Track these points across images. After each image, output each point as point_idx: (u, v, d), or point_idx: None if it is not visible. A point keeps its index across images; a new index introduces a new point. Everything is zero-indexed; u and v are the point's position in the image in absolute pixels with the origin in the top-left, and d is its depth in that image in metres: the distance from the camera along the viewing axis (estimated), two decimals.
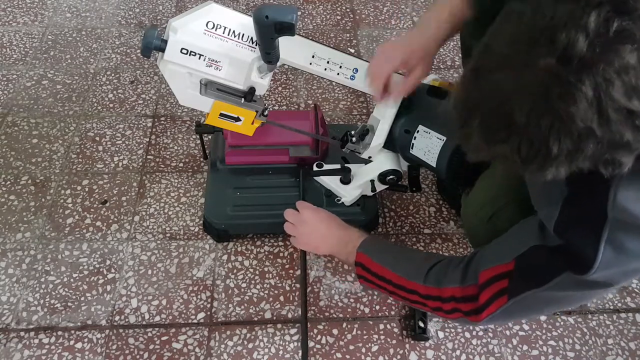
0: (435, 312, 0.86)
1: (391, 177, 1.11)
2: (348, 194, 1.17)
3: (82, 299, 1.11)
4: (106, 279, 1.14)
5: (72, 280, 1.13)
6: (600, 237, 0.63)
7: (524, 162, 0.54)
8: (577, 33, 0.47)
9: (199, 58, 0.89)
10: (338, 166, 1.19)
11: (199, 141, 1.37)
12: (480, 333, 1.08)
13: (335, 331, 1.07)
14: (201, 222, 1.23)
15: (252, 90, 0.96)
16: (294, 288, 1.14)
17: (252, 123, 1.04)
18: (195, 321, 1.08)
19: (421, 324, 1.07)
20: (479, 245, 1.01)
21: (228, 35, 0.89)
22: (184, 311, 1.09)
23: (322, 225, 1.03)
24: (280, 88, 1.58)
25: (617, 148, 0.51)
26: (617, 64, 0.47)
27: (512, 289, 0.74)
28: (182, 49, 0.88)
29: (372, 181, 1.13)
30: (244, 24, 0.89)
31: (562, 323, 1.11)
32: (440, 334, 1.08)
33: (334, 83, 1.57)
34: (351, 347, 1.05)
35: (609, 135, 0.49)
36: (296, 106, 1.53)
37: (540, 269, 0.72)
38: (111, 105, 1.51)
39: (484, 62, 0.55)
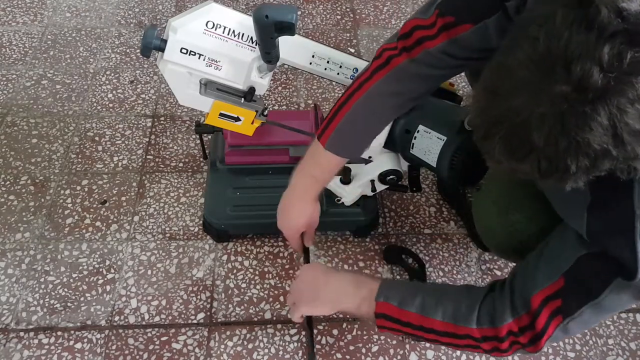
0: (490, 353, 0.80)
1: (391, 177, 1.11)
2: (348, 194, 1.17)
3: (82, 299, 1.10)
4: (106, 279, 1.14)
5: (71, 280, 1.13)
6: (635, 237, 0.62)
7: (543, 176, 0.56)
8: (592, 65, 0.48)
9: (199, 58, 0.89)
10: None
11: (198, 141, 1.37)
12: None
13: (335, 331, 1.07)
14: (201, 222, 1.23)
15: (252, 90, 0.96)
16: None
17: (252, 123, 1.04)
18: (195, 321, 1.08)
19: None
20: (494, 243, 1.01)
21: (228, 34, 0.89)
22: (184, 311, 1.09)
23: (318, 273, 0.95)
24: (280, 88, 1.58)
25: (634, 160, 0.53)
26: (631, 95, 0.48)
27: (567, 307, 0.72)
28: (182, 48, 0.88)
29: (372, 181, 1.13)
30: (244, 23, 0.89)
31: None
32: None
33: (334, 83, 1.56)
34: (351, 348, 1.05)
35: (624, 153, 0.51)
36: (296, 106, 1.53)
37: (591, 280, 0.70)
38: (111, 105, 1.51)
39: (500, 83, 0.56)
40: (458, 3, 0.78)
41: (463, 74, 1.27)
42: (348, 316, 1.10)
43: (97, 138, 1.42)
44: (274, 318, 1.09)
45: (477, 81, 1.31)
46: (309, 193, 0.97)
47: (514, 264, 1.15)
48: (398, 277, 1.16)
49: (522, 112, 0.53)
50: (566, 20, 0.50)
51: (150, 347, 1.04)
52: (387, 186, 1.14)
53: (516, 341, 0.76)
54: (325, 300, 0.92)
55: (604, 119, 0.49)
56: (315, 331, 1.07)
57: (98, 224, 1.23)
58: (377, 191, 1.16)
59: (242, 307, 1.10)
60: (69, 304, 1.09)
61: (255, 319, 1.09)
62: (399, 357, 1.04)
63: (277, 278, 1.15)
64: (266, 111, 1.04)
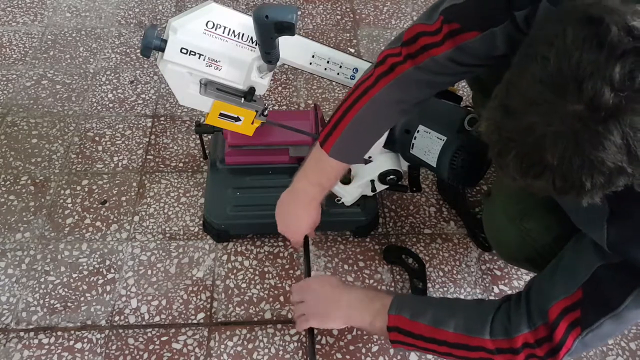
0: None
1: (391, 177, 1.11)
2: (348, 194, 1.17)
3: (82, 299, 1.10)
4: (106, 279, 1.14)
5: (71, 280, 1.13)
6: None
7: (559, 192, 0.56)
8: (603, 85, 0.49)
9: (199, 58, 0.89)
10: None
11: (198, 141, 1.37)
12: None
13: (335, 331, 1.07)
14: (201, 222, 1.23)
15: (252, 90, 0.96)
16: None
17: (252, 123, 1.04)
18: (195, 321, 1.08)
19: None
20: (506, 252, 1.00)
21: (228, 35, 0.89)
22: (184, 311, 1.09)
23: (330, 288, 0.94)
24: (280, 88, 1.58)
25: None
26: None
27: (586, 319, 0.71)
28: (182, 48, 0.88)
29: (372, 181, 1.13)
30: (244, 23, 0.89)
31: None
32: None
33: (334, 83, 1.56)
34: (351, 348, 1.05)
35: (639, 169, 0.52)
36: (296, 106, 1.53)
37: (610, 290, 0.69)
38: (111, 105, 1.51)
39: (513, 102, 0.56)
40: (464, 9, 0.76)
41: None
42: None
43: (97, 138, 1.42)
44: (274, 318, 1.09)
45: (477, 85, 1.31)
46: (315, 200, 0.98)
47: (515, 267, 1.16)
48: (398, 277, 1.16)
49: (535, 131, 0.53)
50: (577, 39, 0.50)
51: (150, 347, 1.04)
52: (387, 186, 1.14)
53: (533, 354, 0.74)
54: (337, 316, 0.92)
55: (617, 138, 0.49)
56: (315, 331, 1.07)
57: (98, 224, 1.23)
58: (377, 191, 1.17)
59: (242, 307, 1.10)
60: (69, 304, 1.10)
61: (255, 319, 1.09)
62: (399, 357, 1.04)
63: (277, 278, 1.15)
64: (266, 111, 1.04)
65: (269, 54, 0.88)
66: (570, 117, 0.51)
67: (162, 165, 1.36)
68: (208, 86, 0.94)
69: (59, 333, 1.05)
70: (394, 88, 0.84)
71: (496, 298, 1.11)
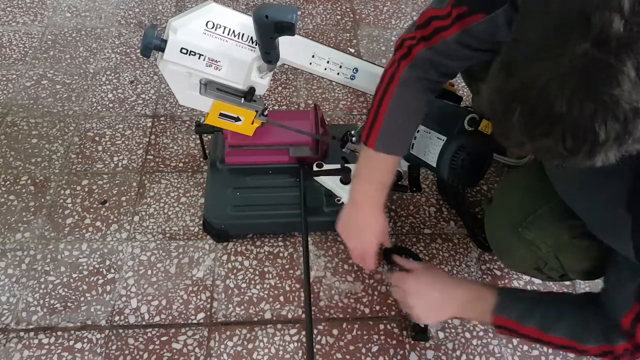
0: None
1: None
2: (348, 194, 1.17)
3: (82, 299, 1.10)
4: (106, 279, 1.14)
5: (71, 280, 1.13)
6: None
7: (571, 152, 0.51)
8: (612, 14, 0.46)
9: (199, 58, 0.89)
10: (338, 166, 1.19)
11: (198, 141, 1.37)
12: (481, 333, 1.08)
13: (335, 331, 1.07)
14: (201, 222, 1.23)
15: (252, 90, 0.96)
16: (294, 288, 1.13)
17: (252, 123, 1.04)
18: (195, 321, 1.08)
19: (422, 325, 1.07)
20: (509, 260, 1.01)
21: (228, 35, 0.89)
22: (184, 311, 1.09)
23: (433, 291, 0.94)
24: (280, 88, 1.58)
25: None
26: None
27: None
28: (182, 48, 0.88)
29: None
30: (244, 23, 0.89)
31: None
32: (441, 334, 1.08)
33: (334, 83, 1.56)
34: (351, 348, 1.05)
35: None
36: (296, 106, 1.53)
37: None
38: (111, 105, 1.51)
39: (515, 57, 0.53)
40: None
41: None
42: (348, 316, 1.10)
43: (97, 138, 1.42)
44: (274, 318, 1.09)
45: (471, 79, 1.31)
46: (378, 201, 0.95)
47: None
48: None
49: (540, 79, 0.50)
50: None
51: (150, 347, 1.04)
52: None
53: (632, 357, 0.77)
54: (448, 314, 0.96)
55: (631, 70, 0.46)
56: (315, 331, 1.07)
57: (98, 224, 1.23)
58: None
59: (242, 307, 1.10)
60: (69, 304, 1.10)
61: (255, 319, 1.09)
62: (399, 357, 1.04)
63: (277, 278, 1.15)
64: (266, 111, 1.04)
65: (269, 54, 0.88)
66: (578, 56, 0.47)
67: (162, 165, 1.36)
68: (208, 86, 0.94)
69: (59, 333, 1.05)
70: (414, 68, 0.87)
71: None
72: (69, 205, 1.26)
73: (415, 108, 0.92)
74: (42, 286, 1.12)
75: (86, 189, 1.30)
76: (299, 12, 1.85)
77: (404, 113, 0.91)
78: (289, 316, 1.09)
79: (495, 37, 0.76)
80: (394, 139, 0.91)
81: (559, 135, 0.50)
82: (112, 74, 1.60)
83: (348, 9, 1.88)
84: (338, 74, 1.05)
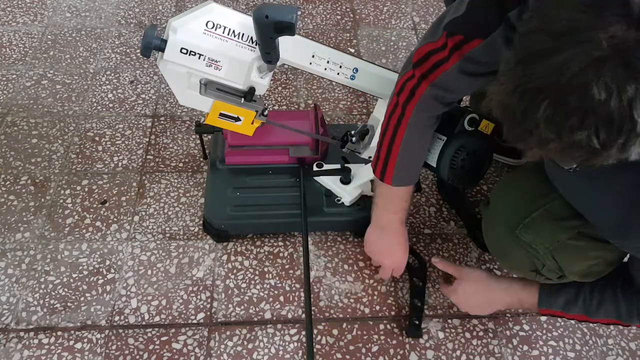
0: None
1: None
2: (348, 194, 1.17)
3: (82, 299, 1.10)
4: (106, 279, 1.14)
5: (71, 280, 1.13)
6: None
7: (604, 146, 0.48)
8: None
9: (199, 58, 0.89)
10: (338, 166, 1.19)
11: (198, 141, 1.37)
12: (481, 333, 1.08)
13: (335, 331, 1.07)
14: (201, 222, 1.23)
15: (252, 90, 0.96)
16: (294, 288, 1.13)
17: (252, 123, 1.04)
18: (195, 321, 1.08)
19: (416, 322, 1.07)
20: (506, 262, 1.02)
21: (228, 35, 0.89)
22: (184, 311, 1.09)
23: (479, 299, 1.04)
24: (280, 88, 1.58)
25: None
26: None
27: None
28: (182, 48, 0.88)
29: (372, 181, 1.13)
30: (244, 23, 0.89)
31: (562, 323, 1.11)
32: (441, 334, 1.08)
33: (334, 83, 1.56)
34: (351, 348, 1.05)
35: None
36: (296, 106, 1.53)
37: None
38: (111, 105, 1.51)
39: (533, 48, 0.49)
40: (464, 20, 0.78)
41: None
42: (348, 316, 1.10)
43: (97, 138, 1.42)
44: (274, 318, 1.09)
45: (479, 100, 1.30)
46: (402, 222, 1.05)
47: None
48: (398, 276, 1.16)
49: (572, 65, 0.46)
50: None
51: (150, 347, 1.04)
52: None
53: None
54: (492, 311, 1.06)
55: None
56: (315, 331, 1.07)
57: (98, 224, 1.23)
58: None
59: (242, 307, 1.10)
60: (69, 304, 1.09)
61: (255, 319, 1.09)
62: (399, 357, 1.04)
63: (277, 278, 1.15)
64: (266, 111, 1.03)
65: (269, 54, 0.88)
66: (617, 37, 0.44)
67: (162, 165, 1.36)
68: (208, 86, 0.94)
69: (59, 333, 1.05)
70: (421, 109, 0.90)
71: None
72: (69, 205, 1.26)
73: (425, 142, 0.99)
74: (42, 286, 1.12)
75: (86, 189, 1.30)
76: (299, 12, 1.85)
77: (416, 150, 0.97)
78: (289, 316, 1.09)
79: (497, 58, 0.76)
80: (408, 174, 0.99)
81: (592, 127, 0.47)
82: (112, 74, 1.60)
83: (348, 9, 1.88)
84: (338, 74, 1.04)
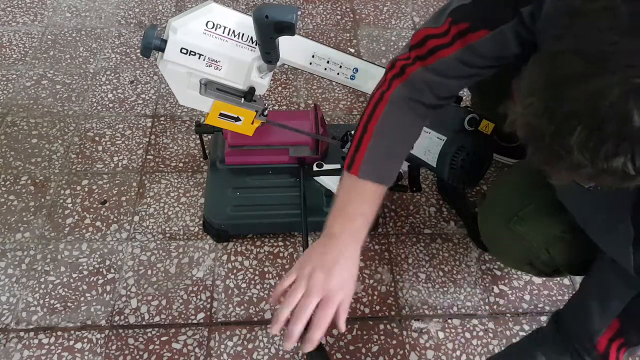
0: None
1: None
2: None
3: (82, 299, 1.10)
4: (106, 279, 1.14)
5: (71, 280, 1.13)
6: None
7: (638, 173, 0.47)
8: None
9: (199, 58, 0.89)
10: (338, 166, 1.19)
11: (198, 141, 1.37)
12: (481, 333, 1.08)
13: (335, 331, 1.07)
14: (201, 222, 1.23)
15: (252, 90, 0.96)
16: None
17: (252, 123, 1.04)
18: (195, 321, 1.08)
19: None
20: (501, 254, 1.01)
21: (228, 35, 0.89)
22: (184, 311, 1.09)
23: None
24: (280, 88, 1.58)
25: None
26: None
27: (631, 341, 0.72)
28: (182, 48, 0.88)
29: None
30: (244, 23, 0.89)
31: None
32: (441, 334, 1.08)
33: (334, 83, 1.56)
34: (351, 348, 1.05)
35: None
36: (296, 106, 1.53)
37: None
38: (111, 105, 1.51)
39: (570, 71, 0.47)
40: (472, 10, 0.75)
41: None
42: (348, 316, 1.09)
43: (97, 138, 1.42)
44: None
45: (476, 89, 1.30)
46: (360, 239, 0.79)
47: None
48: (398, 277, 1.16)
49: (611, 92, 0.44)
50: None
51: (150, 347, 1.04)
52: None
53: None
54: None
55: None
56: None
57: (98, 224, 1.23)
58: None
59: (242, 307, 1.10)
60: (69, 304, 1.10)
61: (255, 319, 1.09)
62: (399, 357, 1.04)
63: (277, 278, 1.15)
64: (266, 111, 1.04)
65: (269, 54, 0.88)
66: None
67: (162, 165, 1.36)
68: (208, 86, 0.94)
69: (59, 333, 1.05)
70: (408, 87, 0.81)
71: (498, 301, 1.12)
72: (69, 205, 1.26)
73: (405, 130, 0.83)
74: (42, 286, 1.12)
75: (86, 189, 1.30)
76: (299, 12, 1.85)
77: (393, 135, 0.81)
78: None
79: (503, 53, 0.74)
80: (381, 165, 0.80)
81: (628, 154, 0.45)
82: (112, 74, 1.60)
83: (348, 9, 1.88)
84: (338, 74, 1.05)
